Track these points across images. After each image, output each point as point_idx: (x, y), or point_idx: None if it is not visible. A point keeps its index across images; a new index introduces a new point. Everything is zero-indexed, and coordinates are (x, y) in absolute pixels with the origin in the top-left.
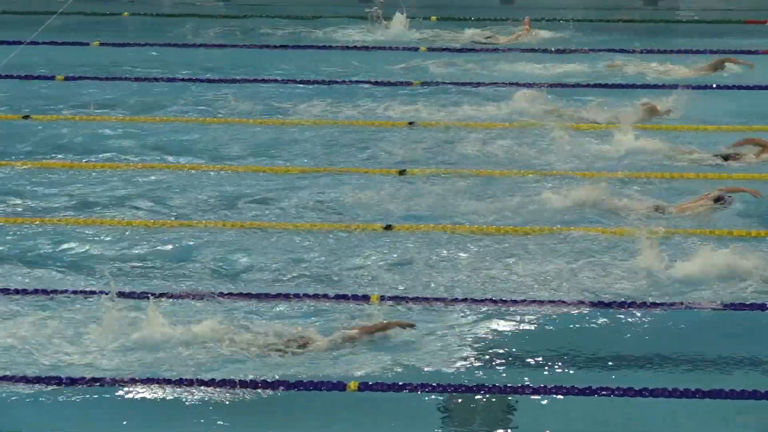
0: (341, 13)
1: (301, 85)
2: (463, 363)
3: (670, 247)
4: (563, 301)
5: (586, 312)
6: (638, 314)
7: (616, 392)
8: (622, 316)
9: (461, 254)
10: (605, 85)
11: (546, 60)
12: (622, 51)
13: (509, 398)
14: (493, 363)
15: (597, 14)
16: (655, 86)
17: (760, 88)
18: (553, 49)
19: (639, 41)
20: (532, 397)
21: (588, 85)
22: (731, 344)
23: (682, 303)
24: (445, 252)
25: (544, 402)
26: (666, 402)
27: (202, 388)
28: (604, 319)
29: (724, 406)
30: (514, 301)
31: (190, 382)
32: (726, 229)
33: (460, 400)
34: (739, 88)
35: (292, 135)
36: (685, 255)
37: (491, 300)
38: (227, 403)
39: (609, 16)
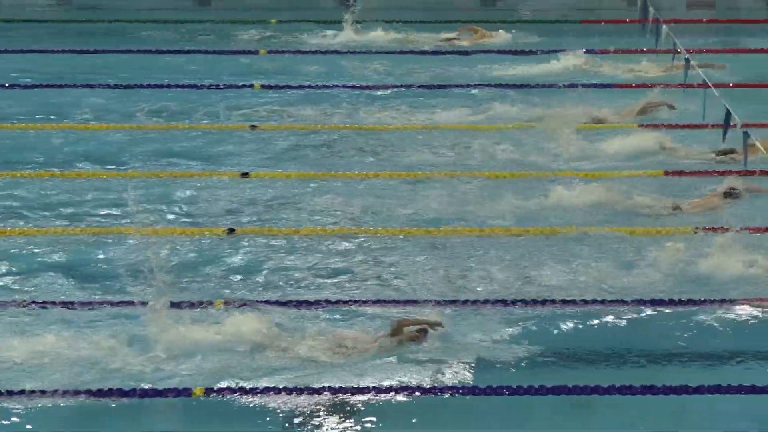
0: (179, 17)
1: (141, 90)
2: (323, 364)
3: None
4: (415, 301)
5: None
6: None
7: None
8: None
9: (307, 255)
10: (457, 86)
11: (392, 61)
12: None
13: (356, 400)
14: (358, 364)
15: (435, 15)
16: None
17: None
18: (398, 50)
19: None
20: (376, 398)
21: (435, 86)
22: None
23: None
24: (290, 254)
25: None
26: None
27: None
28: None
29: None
30: (357, 302)
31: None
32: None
33: (319, 403)
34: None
35: (133, 139)
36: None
37: (343, 302)
38: None
39: (447, 17)
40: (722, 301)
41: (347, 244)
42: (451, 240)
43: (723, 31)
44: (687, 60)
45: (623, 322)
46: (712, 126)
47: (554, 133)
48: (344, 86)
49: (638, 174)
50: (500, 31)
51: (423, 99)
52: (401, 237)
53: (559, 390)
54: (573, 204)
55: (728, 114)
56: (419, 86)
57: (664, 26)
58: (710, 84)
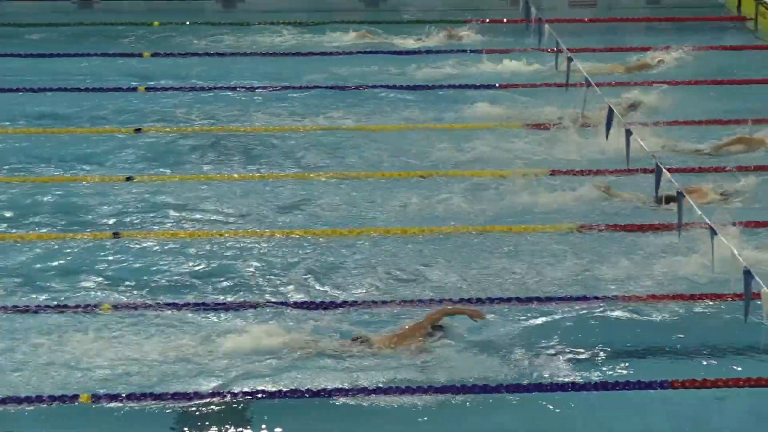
0: (61, 20)
1: (24, 93)
2: (218, 367)
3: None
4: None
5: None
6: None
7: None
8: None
9: (194, 258)
10: (347, 87)
11: (278, 63)
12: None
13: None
14: (255, 367)
15: (318, 17)
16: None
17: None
18: (283, 52)
19: (363, 41)
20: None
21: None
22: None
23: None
24: (176, 257)
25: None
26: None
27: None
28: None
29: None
30: (249, 304)
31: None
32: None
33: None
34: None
35: (17, 144)
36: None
37: (228, 303)
38: None
39: (332, 18)
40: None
41: (237, 246)
42: (345, 241)
43: (605, 30)
44: (570, 59)
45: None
46: (594, 125)
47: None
48: (231, 88)
49: (525, 173)
50: (467, 32)
51: (313, 101)
52: (294, 238)
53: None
54: (457, 203)
55: (610, 112)
56: (309, 87)
57: (546, 26)
58: (593, 83)
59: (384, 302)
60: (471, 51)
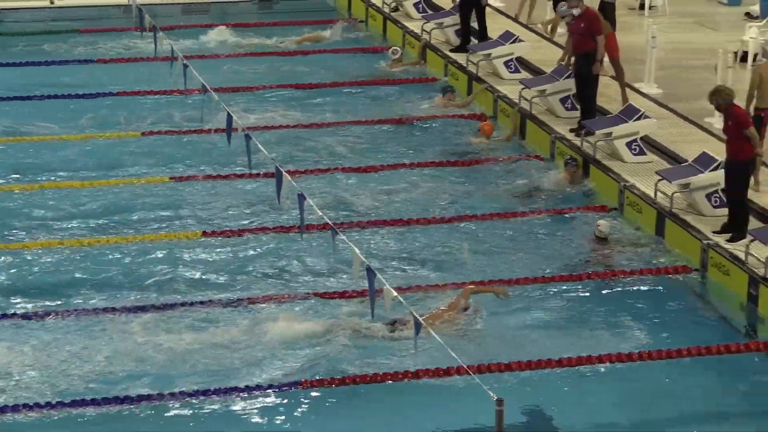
0: None
1: None
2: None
3: None
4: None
5: None
6: None
7: None
8: None
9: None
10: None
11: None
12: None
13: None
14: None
15: None
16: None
17: None
18: None
19: None
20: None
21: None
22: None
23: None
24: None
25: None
26: None
27: None
28: None
29: None
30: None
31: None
32: None
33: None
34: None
35: None
36: None
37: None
38: None
39: None
40: None
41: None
42: (110, 247)
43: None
44: (185, 66)
45: None
46: (215, 131)
47: None
48: (55, 96)
49: (142, 181)
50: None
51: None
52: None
53: None
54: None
55: (230, 118)
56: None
57: (162, 33)
58: (209, 88)
59: None
60: (85, 61)
